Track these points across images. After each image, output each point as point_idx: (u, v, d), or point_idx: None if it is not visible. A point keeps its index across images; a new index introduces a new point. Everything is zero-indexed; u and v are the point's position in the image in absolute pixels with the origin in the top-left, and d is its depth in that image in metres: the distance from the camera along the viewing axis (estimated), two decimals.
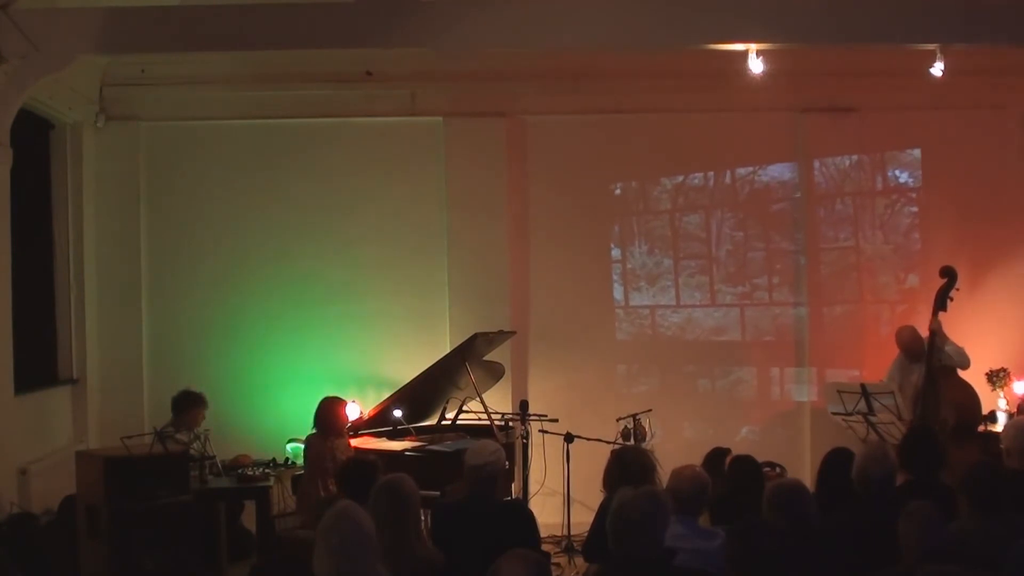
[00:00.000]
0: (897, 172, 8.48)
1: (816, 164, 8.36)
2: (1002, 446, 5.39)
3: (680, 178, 8.51)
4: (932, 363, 7.08)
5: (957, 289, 7.19)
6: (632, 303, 8.51)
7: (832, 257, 8.37)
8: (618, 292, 8.51)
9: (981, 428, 7.30)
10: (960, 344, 7.23)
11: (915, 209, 8.44)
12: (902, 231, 8.44)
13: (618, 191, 8.53)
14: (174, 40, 6.53)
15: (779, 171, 8.43)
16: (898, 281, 8.39)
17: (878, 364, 7.70)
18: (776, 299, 8.43)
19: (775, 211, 8.47)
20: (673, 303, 8.47)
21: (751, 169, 8.46)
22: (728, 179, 8.52)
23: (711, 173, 8.50)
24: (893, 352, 7.48)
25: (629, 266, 8.52)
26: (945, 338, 7.14)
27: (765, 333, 8.42)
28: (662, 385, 8.42)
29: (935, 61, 6.55)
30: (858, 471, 4.61)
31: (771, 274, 8.45)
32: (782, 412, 8.36)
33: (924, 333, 7.20)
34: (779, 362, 8.41)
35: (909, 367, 7.28)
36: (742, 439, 8.14)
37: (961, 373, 7.21)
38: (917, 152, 8.42)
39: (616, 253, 8.53)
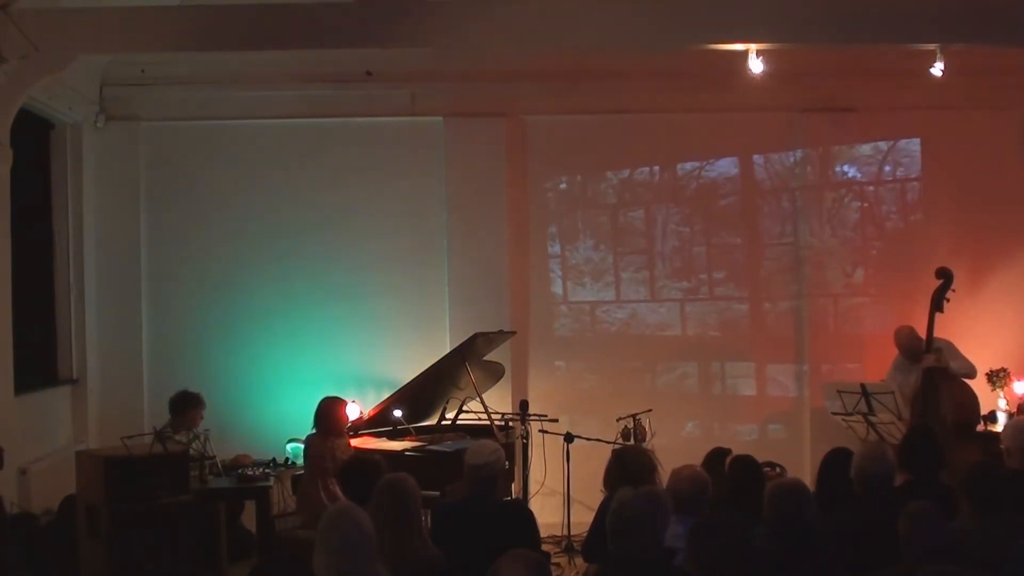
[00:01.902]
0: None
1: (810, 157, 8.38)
2: (1002, 446, 5.39)
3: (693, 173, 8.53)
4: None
5: (953, 290, 7.19)
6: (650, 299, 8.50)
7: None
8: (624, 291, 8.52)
9: (981, 428, 7.31)
10: (960, 345, 7.24)
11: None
12: (906, 222, 8.49)
13: (618, 188, 8.54)
14: (174, 40, 6.52)
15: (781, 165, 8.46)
16: (895, 276, 8.40)
17: (879, 362, 7.72)
18: (776, 294, 8.44)
19: (785, 206, 8.48)
20: (683, 298, 8.51)
21: (759, 162, 8.49)
22: (730, 176, 8.54)
23: (722, 168, 8.51)
24: (891, 351, 7.49)
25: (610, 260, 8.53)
26: (948, 359, 7.10)
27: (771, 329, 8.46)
28: (659, 383, 8.45)
29: (935, 61, 6.55)
30: (857, 470, 4.61)
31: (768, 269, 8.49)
32: (780, 411, 8.37)
33: (922, 333, 7.21)
34: (780, 359, 8.43)
35: (908, 367, 7.28)
36: (742, 438, 8.15)
37: None
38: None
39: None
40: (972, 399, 7.04)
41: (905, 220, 8.52)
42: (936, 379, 7.04)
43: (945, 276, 7.19)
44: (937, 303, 7.16)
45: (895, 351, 7.42)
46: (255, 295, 8.16)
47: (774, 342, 8.40)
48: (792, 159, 8.39)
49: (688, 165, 8.52)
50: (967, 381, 7.11)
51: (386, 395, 7.29)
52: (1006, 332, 8.04)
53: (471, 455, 4.80)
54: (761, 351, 8.44)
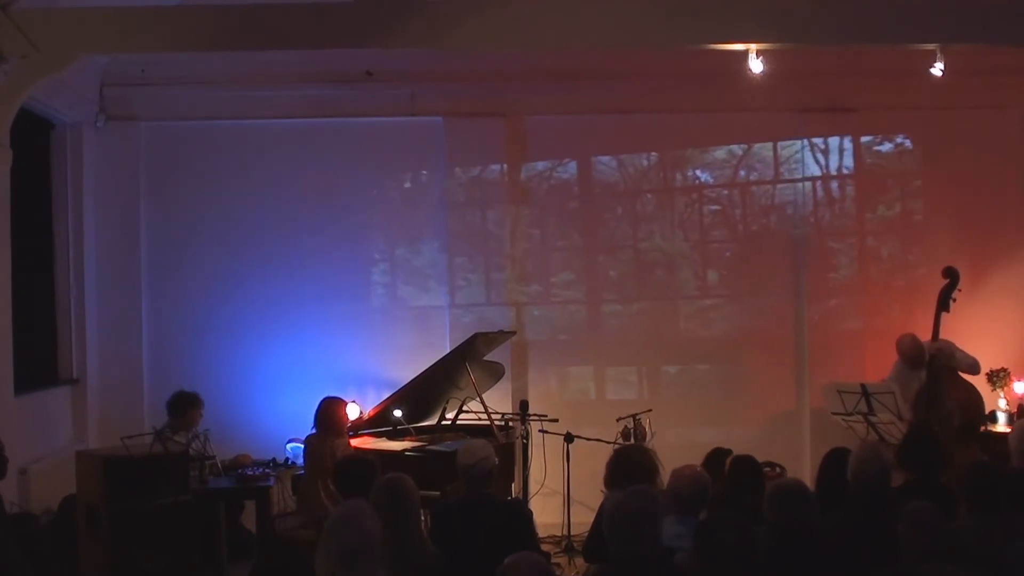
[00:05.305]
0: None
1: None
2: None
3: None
4: (934, 365, 7.07)
5: (959, 290, 7.18)
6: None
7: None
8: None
9: (981, 428, 7.30)
10: (962, 344, 7.23)
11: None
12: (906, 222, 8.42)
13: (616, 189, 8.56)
14: (174, 40, 6.51)
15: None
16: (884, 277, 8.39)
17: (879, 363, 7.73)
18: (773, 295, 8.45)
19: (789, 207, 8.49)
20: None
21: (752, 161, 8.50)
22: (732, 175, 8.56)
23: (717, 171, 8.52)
24: (890, 353, 7.49)
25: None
26: (951, 352, 7.12)
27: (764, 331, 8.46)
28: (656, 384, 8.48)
29: (935, 61, 6.54)
30: (853, 472, 4.61)
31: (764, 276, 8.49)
32: (783, 412, 8.37)
33: (924, 338, 7.21)
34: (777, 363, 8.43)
35: (909, 374, 7.27)
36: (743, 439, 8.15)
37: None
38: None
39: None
40: (977, 399, 7.04)
41: (905, 220, 8.51)
42: (941, 379, 7.03)
43: (951, 275, 7.18)
44: (943, 303, 7.15)
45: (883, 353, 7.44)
46: (255, 295, 8.16)
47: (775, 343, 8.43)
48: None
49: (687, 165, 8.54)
50: (970, 381, 7.10)
51: (386, 395, 7.29)
52: (1006, 332, 8.04)
53: (462, 455, 4.83)
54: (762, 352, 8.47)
